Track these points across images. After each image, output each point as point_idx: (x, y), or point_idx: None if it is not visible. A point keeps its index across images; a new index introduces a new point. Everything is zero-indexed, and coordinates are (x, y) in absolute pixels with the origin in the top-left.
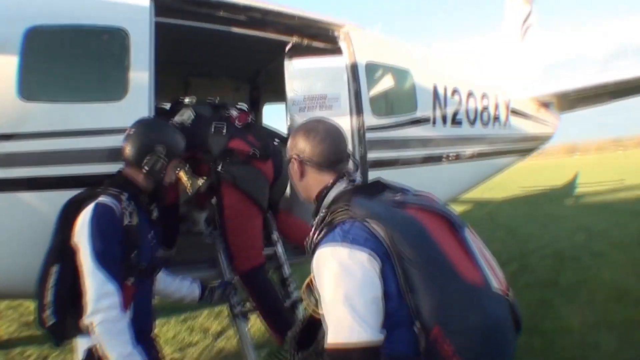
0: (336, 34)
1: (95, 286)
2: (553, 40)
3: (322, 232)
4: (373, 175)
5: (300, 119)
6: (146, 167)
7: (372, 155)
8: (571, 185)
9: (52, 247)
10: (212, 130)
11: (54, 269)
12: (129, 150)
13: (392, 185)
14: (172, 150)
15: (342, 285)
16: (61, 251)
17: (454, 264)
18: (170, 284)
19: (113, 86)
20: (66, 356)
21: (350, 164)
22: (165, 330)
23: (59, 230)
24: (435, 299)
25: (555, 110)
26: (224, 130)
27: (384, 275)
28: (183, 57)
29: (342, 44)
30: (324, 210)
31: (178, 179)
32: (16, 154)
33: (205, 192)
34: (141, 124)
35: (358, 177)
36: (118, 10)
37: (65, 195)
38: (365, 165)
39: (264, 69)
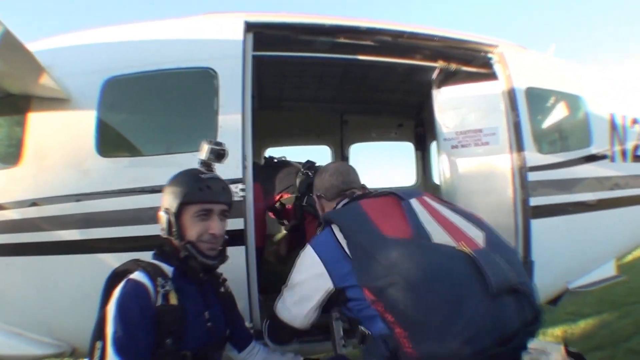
0: (489, 55)
1: None
2: None
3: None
4: (537, 224)
5: (453, 158)
6: (162, 230)
7: (536, 200)
8: None
9: (97, 322)
10: (301, 174)
11: (98, 345)
12: None
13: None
14: (176, 196)
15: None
16: (102, 327)
17: (377, 225)
18: None
19: (200, 134)
20: None
21: None
22: None
23: (102, 304)
24: (362, 261)
25: None
26: (310, 173)
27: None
28: (335, 94)
29: (497, 67)
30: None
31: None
32: (96, 212)
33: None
34: None
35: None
36: (203, 49)
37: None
38: (527, 211)
39: (427, 102)
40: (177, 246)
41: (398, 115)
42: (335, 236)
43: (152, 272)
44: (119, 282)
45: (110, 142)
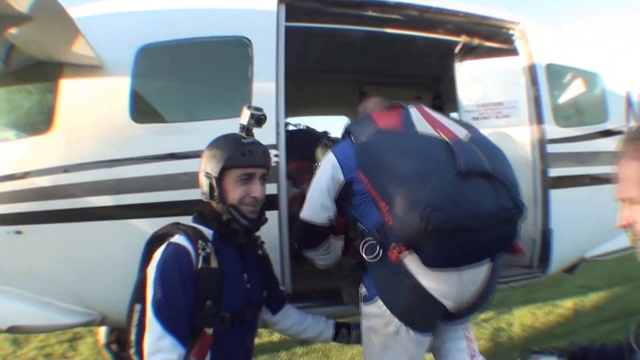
0: (510, 32)
1: (151, 339)
2: None
3: None
4: (556, 194)
5: None
6: (203, 194)
7: (554, 171)
8: None
9: (136, 284)
10: (321, 145)
11: (137, 308)
12: None
13: None
14: (218, 161)
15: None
16: (142, 290)
17: (375, 122)
18: (299, 323)
19: (234, 101)
20: None
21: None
22: (345, 350)
23: (141, 267)
24: (360, 150)
25: None
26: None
27: (346, 159)
28: (355, 65)
29: (518, 44)
30: None
31: None
32: (129, 178)
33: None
34: None
35: None
36: (238, 18)
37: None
38: (546, 182)
39: (446, 75)
40: (218, 210)
41: (416, 87)
42: (351, 140)
43: (193, 235)
44: (159, 245)
45: (145, 108)
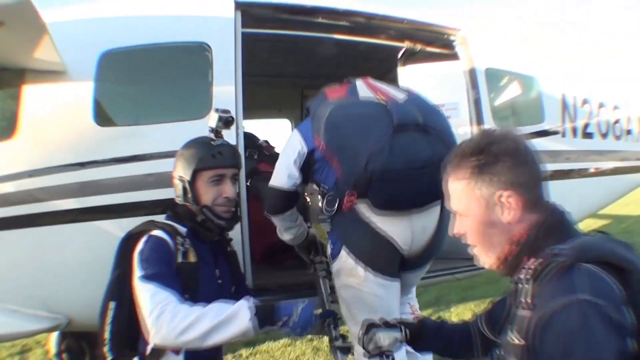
0: (452, 38)
1: (147, 300)
2: None
3: None
4: None
5: None
6: (177, 197)
7: None
8: None
9: (110, 282)
10: (246, 155)
11: (112, 305)
12: None
13: None
14: (189, 164)
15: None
16: (117, 287)
17: (326, 96)
18: None
19: (196, 104)
20: None
21: None
22: (289, 350)
23: (116, 265)
24: (314, 120)
25: None
26: (255, 156)
27: (307, 132)
28: (298, 69)
29: (459, 49)
30: None
31: None
32: (94, 181)
33: None
34: None
35: None
36: (199, 25)
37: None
38: None
39: (386, 77)
40: (193, 210)
41: None
42: (311, 118)
43: (172, 231)
44: (136, 243)
45: (109, 112)
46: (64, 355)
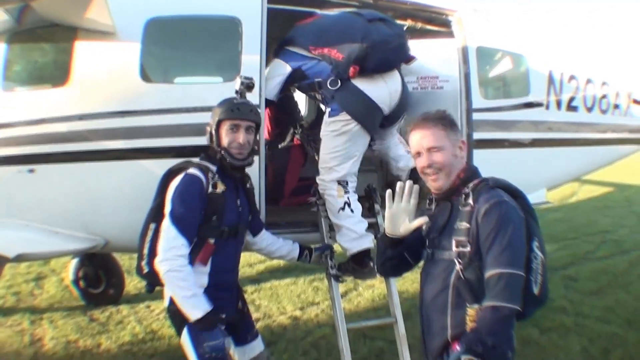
0: (449, 18)
1: (167, 239)
2: None
3: None
4: (478, 154)
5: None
6: (207, 140)
7: (478, 135)
8: None
9: (151, 208)
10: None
11: (152, 227)
12: None
13: None
14: (216, 115)
15: None
16: (157, 212)
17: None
18: (272, 244)
19: (226, 69)
20: None
21: None
22: (292, 289)
23: (158, 194)
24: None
25: None
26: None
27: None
28: None
29: (455, 28)
30: None
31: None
32: (136, 127)
33: None
34: None
35: None
36: (231, 0)
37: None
38: (471, 144)
39: None
40: (216, 151)
41: None
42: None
43: (205, 168)
44: (175, 177)
45: (152, 70)
46: (81, 282)
